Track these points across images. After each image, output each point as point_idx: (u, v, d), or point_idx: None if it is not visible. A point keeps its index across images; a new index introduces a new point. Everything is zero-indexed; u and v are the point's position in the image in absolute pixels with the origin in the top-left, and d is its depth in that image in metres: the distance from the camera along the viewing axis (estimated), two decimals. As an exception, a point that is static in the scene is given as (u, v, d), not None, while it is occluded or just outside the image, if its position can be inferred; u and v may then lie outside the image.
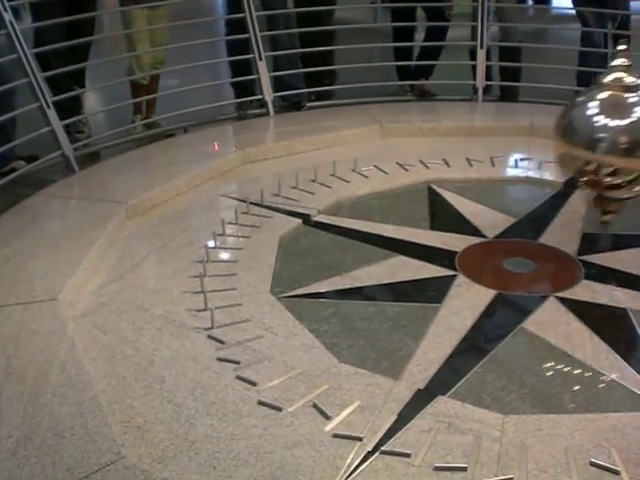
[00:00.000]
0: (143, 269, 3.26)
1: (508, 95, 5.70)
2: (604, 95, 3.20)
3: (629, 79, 3.17)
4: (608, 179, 3.15)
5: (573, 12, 6.13)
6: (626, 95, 3.17)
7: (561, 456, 2.12)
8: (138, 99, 5.14)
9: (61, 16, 4.64)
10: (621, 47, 3.22)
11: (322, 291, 3.11)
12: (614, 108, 3.18)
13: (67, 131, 4.53)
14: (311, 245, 3.59)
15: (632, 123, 3.13)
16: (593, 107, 3.23)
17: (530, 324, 2.86)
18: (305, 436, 2.19)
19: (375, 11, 8.69)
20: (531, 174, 4.36)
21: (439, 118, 5.32)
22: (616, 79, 3.18)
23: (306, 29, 5.62)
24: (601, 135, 3.13)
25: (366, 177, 4.24)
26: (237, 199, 3.97)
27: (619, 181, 3.16)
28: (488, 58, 5.70)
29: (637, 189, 3.20)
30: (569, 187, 4.13)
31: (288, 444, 2.16)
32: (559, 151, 3.41)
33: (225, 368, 2.53)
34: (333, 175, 4.22)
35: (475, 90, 5.64)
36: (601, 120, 3.17)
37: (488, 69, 5.73)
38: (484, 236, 3.57)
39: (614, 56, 3.24)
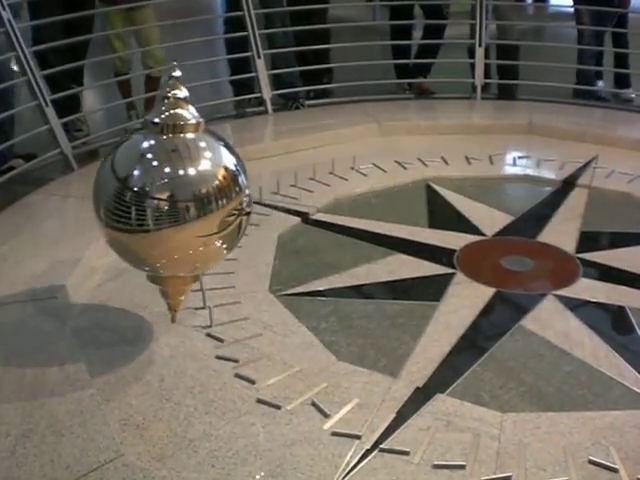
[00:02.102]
0: (142, 267, 3.26)
1: (506, 93, 5.71)
2: (152, 141, 2.33)
3: (187, 115, 2.35)
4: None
5: (571, 10, 6.15)
6: (187, 137, 2.35)
7: (559, 454, 2.12)
8: (134, 97, 5.17)
9: (59, 14, 4.64)
10: (175, 73, 2.39)
11: (321, 289, 3.11)
12: (166, 155, 2.32)
13: (65, 129, 4.53)
14: (310, 243, 3.59)
15: (189, 175, 2.30)
16: (135, 157, 2.34)
17: (528, 322, 2.86)
18: (304, 434, 2.20)
19: (373, 9, 8.69)
20: (530, 172, 4.36)
21: (437, 116, 5.32)
22: (170, 116, 2.33)
23: (304, 27, 5.62)
24: (139, 194, 2.26)
25: (365, 175, 4.25)
26: (236, 197, 3.95)
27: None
28: (487, 56, 5.70)
29: (212, 258, 2.51)
30: (568, 185, 4.14)
31: (287, 442, 2.16)
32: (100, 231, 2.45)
33: (224, 366, 2.53)
34: (332, 173, 4.22)
35: (474, 88, 5.64)
36: (143, 174, 2.28)
37: (487, 67, 5.73)
38: (483, 234, 3.57)
39: (168, 85, 2.38)
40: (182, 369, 2.51)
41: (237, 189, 2.38)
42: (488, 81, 5.75)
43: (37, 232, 3.45)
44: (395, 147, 4.68)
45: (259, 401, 2.34)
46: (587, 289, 3.08)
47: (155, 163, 2.31)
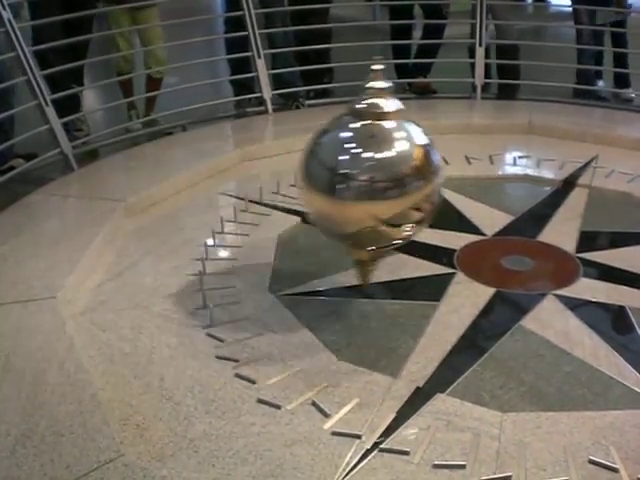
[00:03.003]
0: (142, 267, 3.26)
1: (506, 93, 5.70)
2: (356, 125, 2.64)
3: (385, 105, 2.63)
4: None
5: (571, 9, 6.14)
6: (381, 124, 2.62)
7: (560, 454, 2.12)
8: (135, 97, 5.18)
9: (59, 14, 4.64)
10: (376, 66, 2.68)
11: (321, 289, 3.11)
12: (366, 140, 2.60)
13: (66, 129, 4.53)
14: (310, 243, 3.58)
15: (388, 157, 2.58)
16: (340, 140, 2.65)
17: (529, 322, 2.86)
18: (304, 434, 2.20)
19: (374, 9, 8.68)
20: (530, 172, 4.36)
21: (437, 116, 5.32)
22: (371, 105, 2.63)
23: (304, 27, 5.62)
24: (345, 174, 2.55)
25: (365, 175, 4.24)
26: (236, 197, 3.97)
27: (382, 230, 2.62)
28: (487, 56, 5.69)
29: (404, 235, 2.71)
30: (568, 185, 4.14)
31: (287, 442, 2.16)
32: (303, 199, 2.78)
33: (224, 366, 2.53)
34: (332, 173, 4.22)
35: (474, 88, 5.64)
36: (349, 155, 2.59)
37: (487, 67, 5.73)
38: (483, 234, 3.57)
39: (368, 77, 2.68)
40: (182, 369, 2.52)
41: (430, 173, 2.63)
42: (488, 81, 5.75)
43: (37, 232, 3.45)
44: (395, 147, 4.67)
45: (259, 401, 2.34)
46: (587, 289, 3.08)
47: (356, 148, 2.59)
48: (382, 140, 2.61)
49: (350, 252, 2.87)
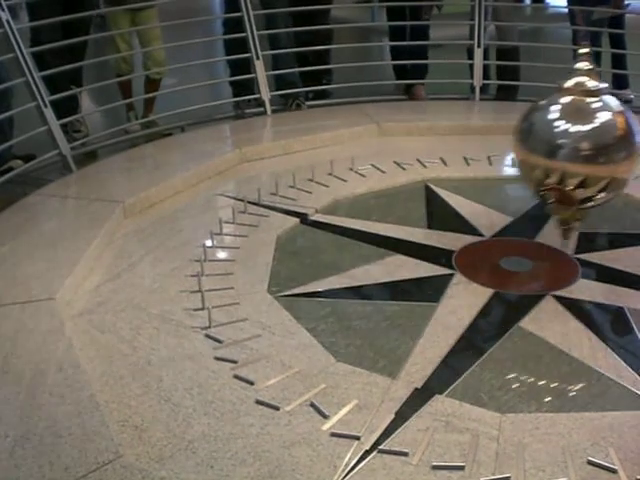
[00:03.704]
0: (140, 268, 3.26)
1: (505, 94, 5.70)
2: (566, 100, 3.11)
3: (591, 83, 3.07)
4: (572, 188, 3.02)
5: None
6: (588, 100, 3.06)
7: (558, 455, 2.12)
8: (133, 98, 5.18)
9: (58, 15, 4.64)
10: (583, 50, 3.12)
11: (319, 290, 3.11)
12: (576, 113, 3.07)
13: (64, 130, 4.53)
14: (308, 244, 3.59)
15: (594, 129, 3.02)
16: (554, 112, 3.11)
17: (527, 323, 2.86)
18: (303, 435, 2.20)
19: (372, 10, 8.69)
20: (528, 173, 4.37)
21: (436, 117, 5.31)
22: (578, 83, 3.07)
23: (304, 28, 5.62)
24: (561, 141, 3.01)
25: (363, 176, 4.25)
26: (234, 198, 3.96)
27: (584, 189, 3.02)
28: (486, 57, 5.69)
29: (601, 197, 3.06)
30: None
31: (286, 443, 2.16)
32: (519, 158, 3.28)
33: (222, 367, 2.53)
34: (330, 174, 4.22)
35: (472, 89, 5.64)
36: (562, 126, 3.04)
37: (485, 68, 5.73)
38: (481, 235, 3.57)
39: (576, 59, 3.13)
40: (180, 370, 2.51)
41: (631, 143, 3.02)
42: (487, 82, 5.74)
43: (36, 233, 3.45)
44: (394, 148, 4.68)
45: (258, 402, 2.34)
46: (586, 290, 3.09)
47: (567, 122, 3.03)
48: (588, 113, 3.04)
49: (554, 211, 3.25)
